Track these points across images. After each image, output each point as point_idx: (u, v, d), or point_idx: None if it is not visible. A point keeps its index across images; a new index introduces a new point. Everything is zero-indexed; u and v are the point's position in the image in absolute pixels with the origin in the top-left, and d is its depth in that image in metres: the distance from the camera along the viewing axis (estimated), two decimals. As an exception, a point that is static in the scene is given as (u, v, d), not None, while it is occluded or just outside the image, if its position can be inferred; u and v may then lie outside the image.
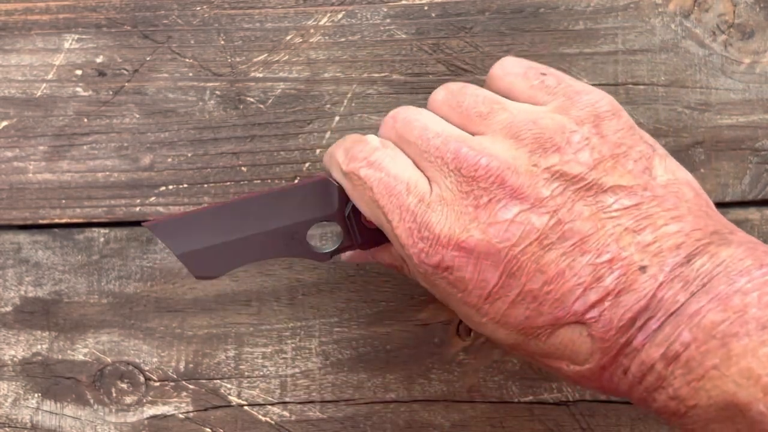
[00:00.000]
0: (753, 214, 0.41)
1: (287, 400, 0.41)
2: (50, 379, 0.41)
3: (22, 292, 0.41)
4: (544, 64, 0.40)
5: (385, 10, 0.41)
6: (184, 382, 0.41)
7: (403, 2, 0.41)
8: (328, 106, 0.41)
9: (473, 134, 0.31)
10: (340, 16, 0.41)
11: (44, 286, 0.41)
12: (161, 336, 0.41)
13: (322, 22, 0.41)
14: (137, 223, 0.41)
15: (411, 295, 0.41)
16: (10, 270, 0.41)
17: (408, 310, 0.41)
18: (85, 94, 0.41)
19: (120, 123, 0.41)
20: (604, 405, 0.41)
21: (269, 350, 0.41)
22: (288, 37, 0.41)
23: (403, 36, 0.41)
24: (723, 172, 0.41)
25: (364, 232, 0.34)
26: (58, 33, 0.41)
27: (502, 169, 0.29)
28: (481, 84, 0.34)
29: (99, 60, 0.41)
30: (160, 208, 0.41)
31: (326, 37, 0.41)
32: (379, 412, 0.41)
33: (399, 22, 0.41)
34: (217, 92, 0.41)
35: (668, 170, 0.30)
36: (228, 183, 0.41)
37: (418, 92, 0.41)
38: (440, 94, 0.33)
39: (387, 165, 0.31)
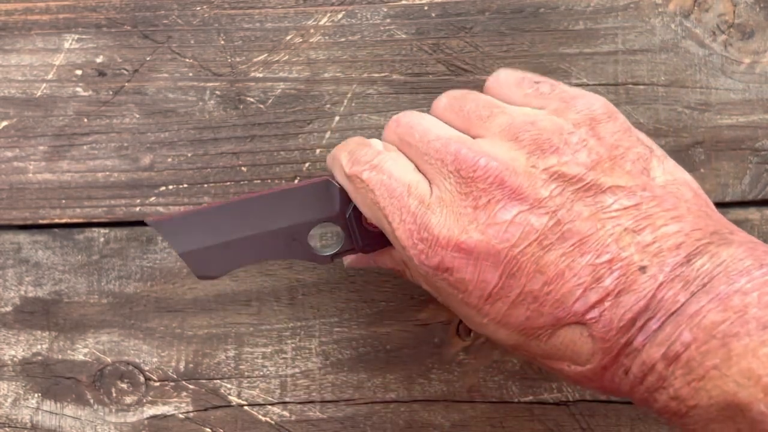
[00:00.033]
0: (753, 214, 0.41)
1: (287, 400, 0.41)
2: (50, 379, 0.41)
3: (22, 292, 0.41)
4: (544, 64, 0.41)
5: (385, 10, 0.41)
6: (184, 382, 0.41)
7: (403, 2, 0.41)
8: (328, 106, 0.41)
9: (474, 138, 0.31)
10: (340, 16, 0.41)
11: (44, 286, 0.41)
12: (161, 336, 0.41)
13: (322, 22, 0.41)
14: (137, 223, 0.41)
15: (411, 295, 0.41)
16: (10, 270, 0.41)
17: (408, 310, 0.41)
18: (85, 94, 0.41)
19: (120, 123, 0.41)
20: (604, 405, 0.41)
21: (269, 350, 0.41)
22: (288, 37, 0.41)
23: (403, 36, 0.41)
24: (723, 172, 0.41)
25: (365, 235, 0.34)
26: (58, 33, 0.41)
27: (501, 170, 0.29)
28: (482, 84, 0.35)
29: (99, 60, 0.41)
30: (160, 208, 0.41)
31: (326, 37, 0.41)
32: (379, 412, 0.41)
33: (399, 22, 0.41)
34: (217, 92, 0.41)
35: (666, 171, 0.31)
36: (228, 183, 0.41)
37: (418, 92, 0.41)
38: (443, 101, 0.34)
39: (389, 168, 0.31)
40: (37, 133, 0.41)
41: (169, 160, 0.41)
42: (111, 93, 0.41)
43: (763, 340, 0.25)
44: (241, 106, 0.41)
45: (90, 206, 0.41)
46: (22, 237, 0.41)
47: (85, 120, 0.41)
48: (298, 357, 0.41)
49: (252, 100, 0.41)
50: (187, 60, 0.41)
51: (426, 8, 0.41)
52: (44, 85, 0.41)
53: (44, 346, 0.41)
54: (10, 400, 0.41)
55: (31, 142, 0.41)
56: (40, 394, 0.41)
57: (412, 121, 0.33)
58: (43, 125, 0.41)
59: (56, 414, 0.41)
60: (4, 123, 0.41)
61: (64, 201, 0.41)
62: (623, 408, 0.40)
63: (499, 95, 0.33)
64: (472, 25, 0.41)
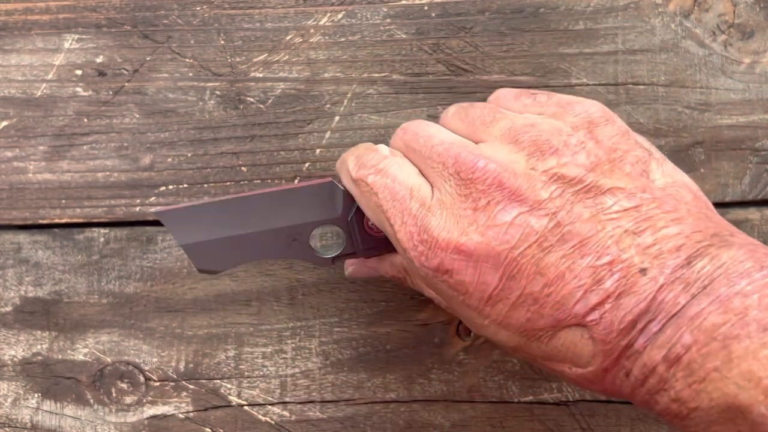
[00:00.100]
0: (753, 214, 0.41)
1: (287, 400, 0.41)
2: (50, 379, 0.41)
3: (22, 292, 0.41)
4: (544, 64, 0.41)
5: (385, 10, 0.41)
6: (184, 382, 0.41)
7: (403, 2, 0.41)
8: (328, 106, 0.41)
9: (477, 143, 0.32)
10: (340, 16, 0.41)
11: (44, 286, 0.41)
12: (161, 336, 0.41)
13: (322, 22, 0.41)
14: (137, 223, 0.41)
15: (411, 295, 0.41)
16: (10, 270, 0.41)
17: (408, 310, 0.41)
18: (85, 94, 0.41)
19: (120, 123, 0.41)
20: (604, 405, 0.41)
21: (269, 350, 0.41)
22: (288, 37, 0.41)
23: (403, 36, 0.41)
24: (723, 172, 0.41)
25: (366, 239, 0.35)
26: (58, 33, 0.41)
27: (500, 172, 0.29)
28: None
29: (99, 60, 0.41)
30: (160, 209, 0.41)
31: (326, 37, 0.41)
32: (379, 412, 0.41)
33: (399, 22, 0.41)
34: (217, 92, 0.41)
35: (666, 174, 0.31)
36: (228, 183, 0.41)
37: (418, 92, 0.41)
38: (451, 110, 0.35)
39: (393, 172, 0.32)
40: (37, 133, 0.41)
41: (169, 160, 0.41)
42: (111, 93, 0.41)
43: (764, 342, 0.25)
44: (241, 106, 0.41)
45: (90, 206, 0.41)
46: (22, 237, 0.41)
47: (85, 120, 0.41)
48: (298, 357, 0.41)
49: (252, 100, 0.41)
50: (187, 60, 0.41)
51: (426, 8, 0.41)
52: (44, 85, 0.41)
53: (44, 346, 0.41)
54: (10, 400, 0.41)
55: (31, 142, 0.41)
56: (40, 394, 0.41)
57: (418, 128, 0.33)
58: (43, 125, 0.41)
59: (56, 414, 0.41)
60: (4, 123, 0.41)
61: (64, 201, 0.41)
62: (623, 408, 0.41)
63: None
64: (472, 25, 0.41)
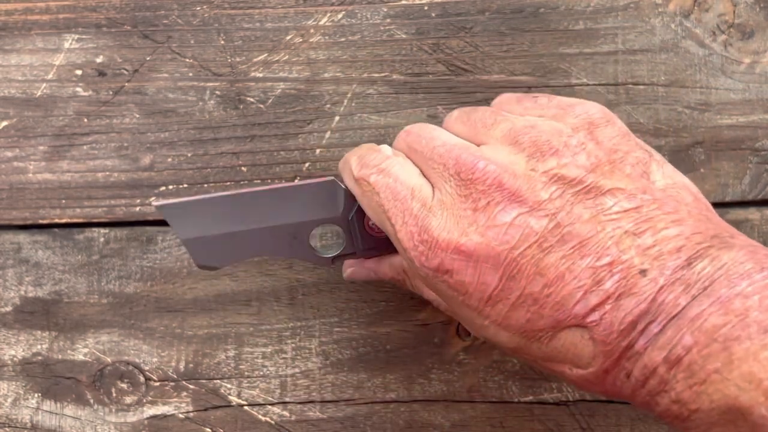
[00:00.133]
0: (753, 214, 0.41)
1: (287, 400, 0.41)
2: (50, 379, 0.41)
3: (22, 292, 0.41)
4: (544, 64, 0.41)
5: (385, 10, 0.41)
6: (184, 382, 0.41)
7: (403, 2, 0.41)
8: (328, 106, 0.41)
9: (479, 145, 0.32)
10: (340, 16, 0.41)
11: (44, 286, 0.41)
12: (161, 336, 0.41)
13: (322, 22, 0.41)
14: (137, 223, 0.41)
15: (411, 296, 0.41)
16: (10, 270, 0.41)
17: (408, 310, 0.41)
18: (85, 94, 0.41)
19: (120, 123, 0.41)
20: (604, 405, 0.41)
21: (269, 350, 0.41)
22: (288, 37, 0.41)
23: (403, 36, 0.41)
24: (723, 172, 0.41)
25: (366, 239, 0.35)
26: (58, 33, 0.41)
27: (499, 172, 0.30)
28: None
29: (99, 60, 0.41)
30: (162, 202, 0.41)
31: (326, 37, 0.41)
32: (379, 412, 0.41)
33: (399, 22, 0.41)
34: (217, 92, 0.41)
35: (666, 175, 0.31)
36: (228, 183, 0.41)
37: (418, 92, 0.41)
38: (454, 114, 0.35)
39: (395, 172, 0.32)
40: (37, 133, 0.41)
41: (169, 160, 0.41)
42: (111, 93, 0.41)
43: (764, 344, 0.25)
44: (241, 106, 0.41)
45: (90, 206, 0.41)
46: (22, 237, 0.41)
47: (85, 120, 0.41)
48: (298, 357, 0.41)
49: (252, 100, 0.41)
50: (187, 60, 0.41)
51: (426, 8, 0.41)
52: (44, 85, 0.41)
53: (44, 346, 0.41)
54: (10, 400, 0.41)
55: (31, 142, 0.41)
56: (40, 394, 0.41)
57: (421, 130, 0.33)
58: (43, 125, 0.41)
59: (56, 414, 0.41)
60: (4, 123, 0.41)
61: (64, 201, 0.41)
62: (623, 408, 0.41)
63: None
64: (472, 25, 0.41)
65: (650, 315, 0.27)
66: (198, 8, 0.41)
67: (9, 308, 0.41)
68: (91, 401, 0.41)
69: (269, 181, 0.41)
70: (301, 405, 0.41)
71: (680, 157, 0.41)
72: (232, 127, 0.41)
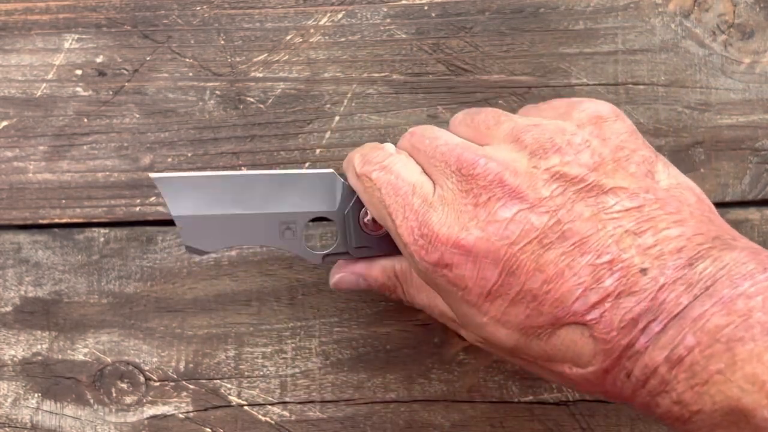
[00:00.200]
0: (753, 214, 0.41)
1: (287, 400, 0.41)
2: (50, 379, 0.41)
3: (22, 292, 0.41)
4: (544, 64, 0.41)
5: (385, 10, 0.41)
6: (184, 382, 0.41)
7: (403, 2, 0.41)
8: (328, 106, 0.41)
9: (482, 146, 0.32)
10: (340, 16, 0.41)
11: (44, 286, 0.41)
12: (161, 336, 0.41)
13: (322, 22, 0.41)
14: (137, 223, 0.41)
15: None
16: (10, 270, 0.41)
17: (408, 310, 0.41)
18: (85, 94, 0.41)
19: (120, 123, 0.41)
20: (604, 405, 0.41)
21: (269, 350, 0.41)
22: (288, 37, 0.41)
23: (403, 36, 0.41)
24: (723, 172, 0.41)
25: (360, 236, 0.35)
26: (58, 33, 0.41)
27: (501, 169, 0.30)
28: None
29: (99, 60, 0.41)
30: (160, 208, 0.41)
31: (326, 37, 0.41)
32: (379, 412, 0.41)
33: (399, 22, 0.41)
34: (217, 92, 0.41)
35: (671, 175, 0.31)
36: (228, 183, 0.41)
37: (418, 92, 0.41)
38: (459, 116, 0.35)
39: (397, 169, 0.32)
40: (37, 133, 0.41)
41: (169, 160, 0.41)
42: (111, 93, 0.41)
43: None
44: (241, 106, 0.41)
45: (90, 206, 0.41)
46: (22, 237, 0.41)
47: (85, 120, 0.41)
48: (298, 357, 0.41)
49: (252, 100, 0.41)
50: (187, 60, 0.41)
51: (426, 8, 0.41)
52: (44, 85, 0.41)
53: (44, 346, 0.41)
54: (10, 400, 0.41)
55: (31, 142, 0.41)
56: (40, 394, 0.41)
57: (425, 131, 0.34)
58: (43, 125, 0.41)
59: (56, 414, 0.41)
60: (4, 123, 0.41)
61: (64, 201, 0.41)
62: (623, 408, 0.40)
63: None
64: (472, 25, 0.41)
65: (651, 313, 0.27)
66: (198, 8, 0.41)
67: (9, 308, 0.41)
68: (91, 401, 0.41)
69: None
70: (301, 405, 0.41)
71: (680, 157, 0.41)
72: (232, 127, 0.41)
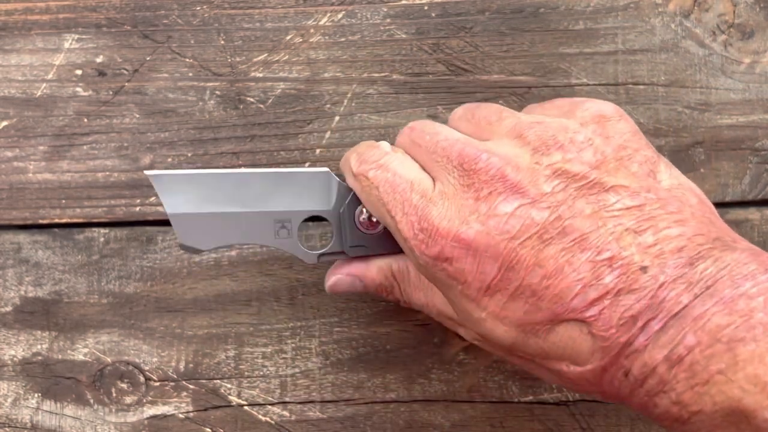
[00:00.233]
0: (753, 214, 0.41)
1: (287, 400, 0.41)
2: (50, 379, 0.41)
3: (22, 292, 0.41)
4: (544, 64, 0.41)
5: (385, 10, 0.41)
6: (184, 382, 0.41)
7: (403, 2, 0.41)
8: (328, 106, 0.41)
9: (483, 141, 0.32)
10: (340, 16, 0.41)
11: (44, 286, 0.41)
12: (161, 336, 0.41)
13: (322, 22, 0.41)
14: (137, 223, 0.41)
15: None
16: (10, 270, 0.41)
17: (408, 310, 0.41)
18: (85, 94, 0.41)
19: (120, 123, 0.41)
20: (604, 405, 0.41)
21: (269, 350, 0.41)
22: (288, 37, 0.41)
23: (403, 36, 0.41)
24: (723, 172, 0.41)
25: (355, 234, 0.35)
26: (58, 33, 0.41)
27: (503, 164, 0.30)
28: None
29: (99, 60, 0.41)
30: (160, 209, 0.41)
31: (326, 37, 0.41)
32: (379, 412, 0.41)
33: (399, 22, 0.41)
34: (217, 92, 0.41)
35: (673, 176, 0.31)
36: (228, 183, 0.41)
37: (418, 92, 0.41)
38: (458, 112, 0.35)
39: (394, 167, 0.32)
40: (37, 133, 0.41)
41: (169, 160, 0.41)
42: (111, 93, 0.41)
43: None
44: (241, 106, 0.41)
45: (90, 206, 0.41)
46: (22, 237, 0.41)
47: (85, 120, 0.41)
48: (298, 357, 0.41)
49: (252, 100, 0.41)
50: (187, 60, 0.41)
51: (426, 8, 0.41)
52: (44, 85, 0.41)
53: (44, 346, 0.41)
54: (10, 400, 0.41)
55: (31, 142, 0.41)
56: (40, 394, 0.41)
57: (425, 126, 0.34)
58: (43, 125, 0.41)
59: (56, 414, 0.41)
60: (4, 123, 0.41)
61: (64, 201, 0.41)
62: (623, 408, 0.40)
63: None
64: (472, 25, 0.41)
65: (651, 311, 0.27)
66: (198, 8, 0.41)
67: (9, 308, 0.41)
68: (91, 401, 0.41)
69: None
70: (301, 405, 0.41)
71: (680, 157, 0.41)
72: (232, 127, 0.41)
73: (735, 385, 0.25)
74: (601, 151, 0.30)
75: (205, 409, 0.41)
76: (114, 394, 0.41)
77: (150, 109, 0.41)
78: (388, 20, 0.41)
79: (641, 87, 0.41)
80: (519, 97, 0.41)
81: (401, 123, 0.41)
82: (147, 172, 0.34)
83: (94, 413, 0.41)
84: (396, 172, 0.32)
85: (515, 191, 0.29)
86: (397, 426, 0.41)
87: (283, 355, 0.41)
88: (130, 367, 0.41)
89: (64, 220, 0.41)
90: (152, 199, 0.41)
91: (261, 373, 0.41)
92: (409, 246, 0.31)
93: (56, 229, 0.41)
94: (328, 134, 0.41)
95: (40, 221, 0.41)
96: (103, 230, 0.41)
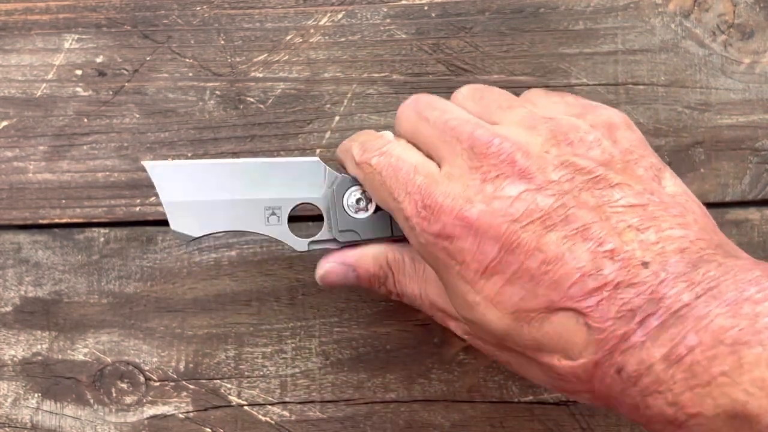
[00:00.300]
0: (753, 214, 0.41)
1: (287, 400, 0.41)
2: (50, 379, 0.41)
3: (22, 292, 0.41)
4: (544, 64, 0.41)
5: (385, 10, 0.41)
6: (184, 382, 0.41)
7: (403, 2, 0.41)
8: (328, 106, 0.41)
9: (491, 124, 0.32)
10: (340, 16, 0.41)
11: (44, 286, 0.41)
12: (161, 336, 0.41)
13: (322, 22, 0.41)
14: (137, 223, 0.41)
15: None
16: (10, 270, 0.41)
17: (408, 309, 0.41)
18: (85, 94, 0.41)
19: (120, 123, 0.41)
20: (604, 405, 0.41)
21: (269, 350, 0.41)
22: (288, 37, 0.41)
23: (403, 36, 0.41)
24: (723, 172, 0.41)
25: (345, 219, 0.35)
26: (58, 33, 0.41)
27: (514, 150, 0.30)
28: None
29: (99, 60, 0.41)
30: (160, 208, 0.41)
31: (326, 37, 0.41)
32: (379, 412, 0.41)
33: (399, 22, 0.41)
34: (217, 92, 0.41)
35: (677, 185, 0.31)
36: (228, 183, 0.41)
37: (418, 92, 0.41)
38: (463, 91, 0.35)
39: (397, 153, 0.33)
40: (37, 133, 0.41)
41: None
42: (111, 93, 0.41)
43: None
44: (241, 106, 0.41)
45: (90, 206, 0.41)
46: (22, 237, 0.41)
47: (85, 120, 0.41)
48: (298, 357, 0.41)
49: (252, 100, 0.41)
50: (187, 60, 0.41)
51: (426, 8, 0.41)
52: (44, 85, 0.41)
53: (44, 346, 0.41)
54: (10, 400, 0.41)
55: (31, 142, 0.41)
56: (40, 394, 0.41)
57: (431, 99, 0.34)
58: (43, 125, 0.41)
59: (56, 414, 0.41)
60: (4, 123, 0.41)
61: (64, 201, 0.41)
62: (623, 408, 0.40)
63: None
64: (472, 25, 0.41)
65: (650, 307, 0.27)
66: (198, 8, 0.41)
67: (9, 308, 0.41)
68: (91, 401, 0.41)
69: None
70: (301, 405, 0.41)
71: (680, 157, 0.41)
72: (232, 127, 0.41)
73: (739, 387, 0.24)
74: (609, 152, 0.30)
75: (205, 409, 0.41)
76: (114, 394, 0.41)
77: (150, 109, 0.41)
78: (388, 20, 0.41)
79: (641, 87, 0.41)
80: (519, 97, 0.41)
81: (401, 123, 0.41)
82: (143, 162, 0.35)
83: (94, 413, 0.41)
84: (400, 157, 0.32)
85: (522, 176, 0.29)
86: (397, 426, 0.41)
87: (283, 355, 0.41)
88: (130, 367, 0.41)
89: (64, 220, 0.41)
90: (152, 199, 0.41)
91: (261, 373, 0.41)
92: (410, 224, 0.31)
93: (56, 229, 0.41)
94: (328, 134, 0.41)
95: (40, 221, 0.41)
96: (103, 230, 0.41)
